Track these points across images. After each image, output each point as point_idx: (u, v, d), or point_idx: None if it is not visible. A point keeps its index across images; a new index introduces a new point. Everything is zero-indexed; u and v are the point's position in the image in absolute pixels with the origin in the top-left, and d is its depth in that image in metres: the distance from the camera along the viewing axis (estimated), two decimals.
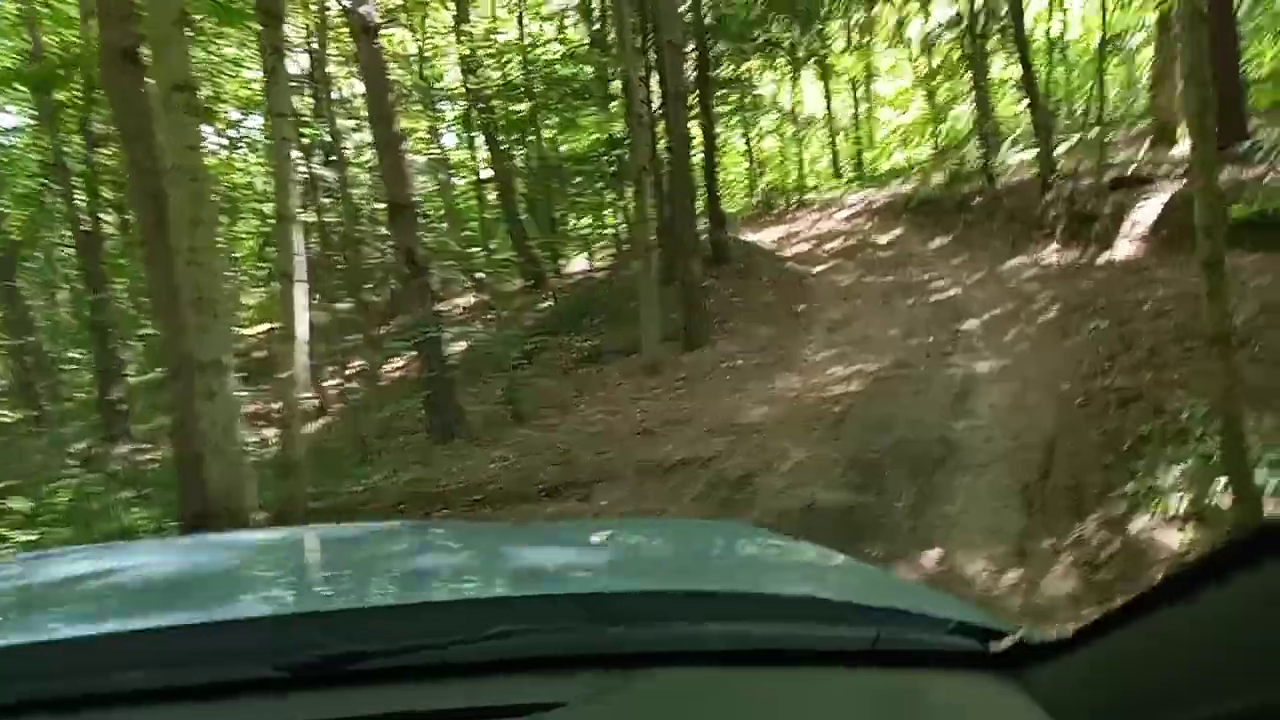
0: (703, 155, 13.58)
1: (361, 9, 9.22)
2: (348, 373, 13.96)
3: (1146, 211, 10.27)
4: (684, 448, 6.39)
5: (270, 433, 10.13)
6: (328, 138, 14.32)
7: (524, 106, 13.62)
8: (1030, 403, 6.04)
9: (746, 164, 29.73)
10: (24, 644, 0.88)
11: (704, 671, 0.86)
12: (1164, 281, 8.39)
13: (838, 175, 29.65)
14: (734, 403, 7.47)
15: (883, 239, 16.45)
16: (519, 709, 0.78)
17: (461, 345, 13.93)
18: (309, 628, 0.87)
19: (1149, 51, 21.47)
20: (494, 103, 14.51)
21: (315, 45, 13.27)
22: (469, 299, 16.61)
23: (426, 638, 0.82)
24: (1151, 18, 16.05)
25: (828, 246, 16.55)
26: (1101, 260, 10.20)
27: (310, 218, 16.04)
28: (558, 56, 13.84)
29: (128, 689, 0.77)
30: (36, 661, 0.82)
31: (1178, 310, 6.89)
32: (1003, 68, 19.21)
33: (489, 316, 15.03)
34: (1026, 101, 19.12)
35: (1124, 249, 10.23)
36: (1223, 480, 3.87)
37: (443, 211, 18.35)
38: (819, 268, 14.67)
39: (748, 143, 28.34)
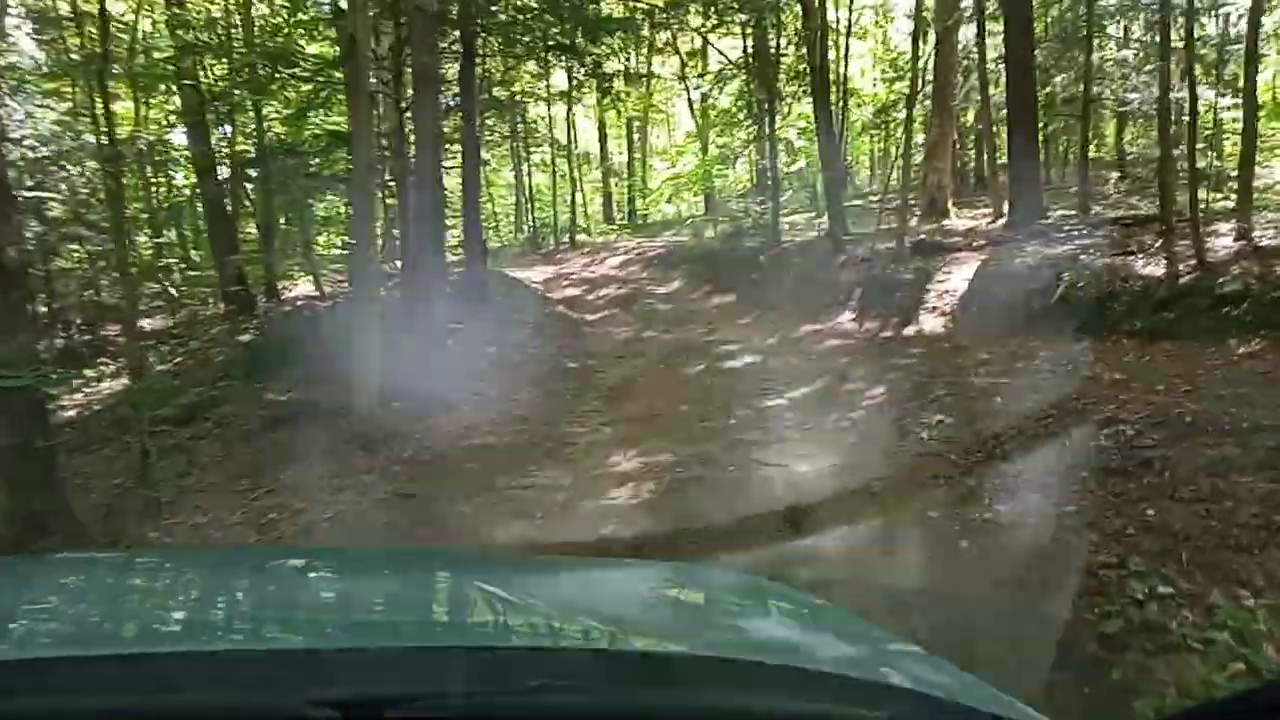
0: (461, 168, 11.12)
1: None
2: None
3: (955, 281, 9.31)
4: None
5: None
6: None
7: (226, 81, 10.41)
8: (899, 543, 4.24)
9: (515, 198, 27.65)
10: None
11: None
12: (994, 364, 7.19)
13: (609, 220, 28.36)
14: (472, 514, 5.10)
15: (660, 290, 14.96)
16: None
17: (109, 390, 10.38)
18: (349, 665, 0.86)
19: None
20: (196, 71, 11.19)
21: None
22: (146, 324, 12.82)
23: (465, 684, 0.82)
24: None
25: (602, 293, 14.73)
26: (909, 333, 9.05)
27: None
28: (280, 21, 10.79)
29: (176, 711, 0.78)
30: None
31: (1040, 407, 5.51)
32: (778, 126, 18.72)
33: (166, 348, 11.48)
34: (805, 160, 18.75)
35: (930, 322, 9.16)
36: None
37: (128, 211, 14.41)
38: (592, 316, 12.74)
39: (518, 176, 26.25)
